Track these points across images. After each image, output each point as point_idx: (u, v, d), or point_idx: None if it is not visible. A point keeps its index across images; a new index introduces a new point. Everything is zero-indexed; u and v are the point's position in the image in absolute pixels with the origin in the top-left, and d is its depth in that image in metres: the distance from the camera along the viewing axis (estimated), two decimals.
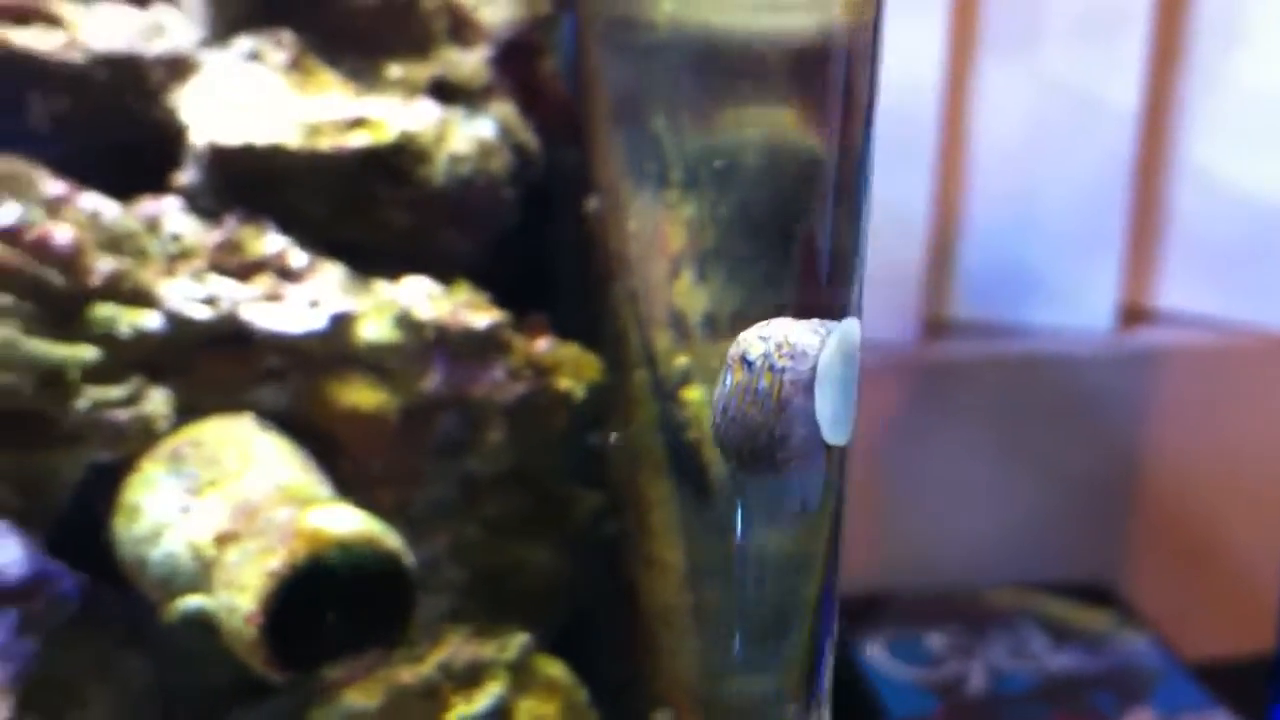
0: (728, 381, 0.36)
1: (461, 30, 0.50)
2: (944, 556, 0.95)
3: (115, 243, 0.43)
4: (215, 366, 0.44)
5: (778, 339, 0.36)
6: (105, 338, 0.42)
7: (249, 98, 0.46)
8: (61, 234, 0.42)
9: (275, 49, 0.47)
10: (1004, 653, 0.86)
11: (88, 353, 0.42)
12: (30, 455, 0.42)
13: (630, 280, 0.48)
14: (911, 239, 0.92)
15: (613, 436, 0.48)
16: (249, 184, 0.46)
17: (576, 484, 0.51)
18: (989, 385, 0.95)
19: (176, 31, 0.47)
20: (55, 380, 0.41)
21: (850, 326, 0.37)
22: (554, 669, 0.48)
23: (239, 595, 0.40)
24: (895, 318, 0.94)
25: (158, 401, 0.43)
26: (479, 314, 0.46)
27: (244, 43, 0.48)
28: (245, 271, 0.45)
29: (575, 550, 0.51)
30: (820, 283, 0.41)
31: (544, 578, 0.50)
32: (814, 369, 0.35)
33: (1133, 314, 0.97)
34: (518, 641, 0.47)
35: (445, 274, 0.47)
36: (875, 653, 0.87)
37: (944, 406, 0.94)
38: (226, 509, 0.41)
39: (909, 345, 0.94)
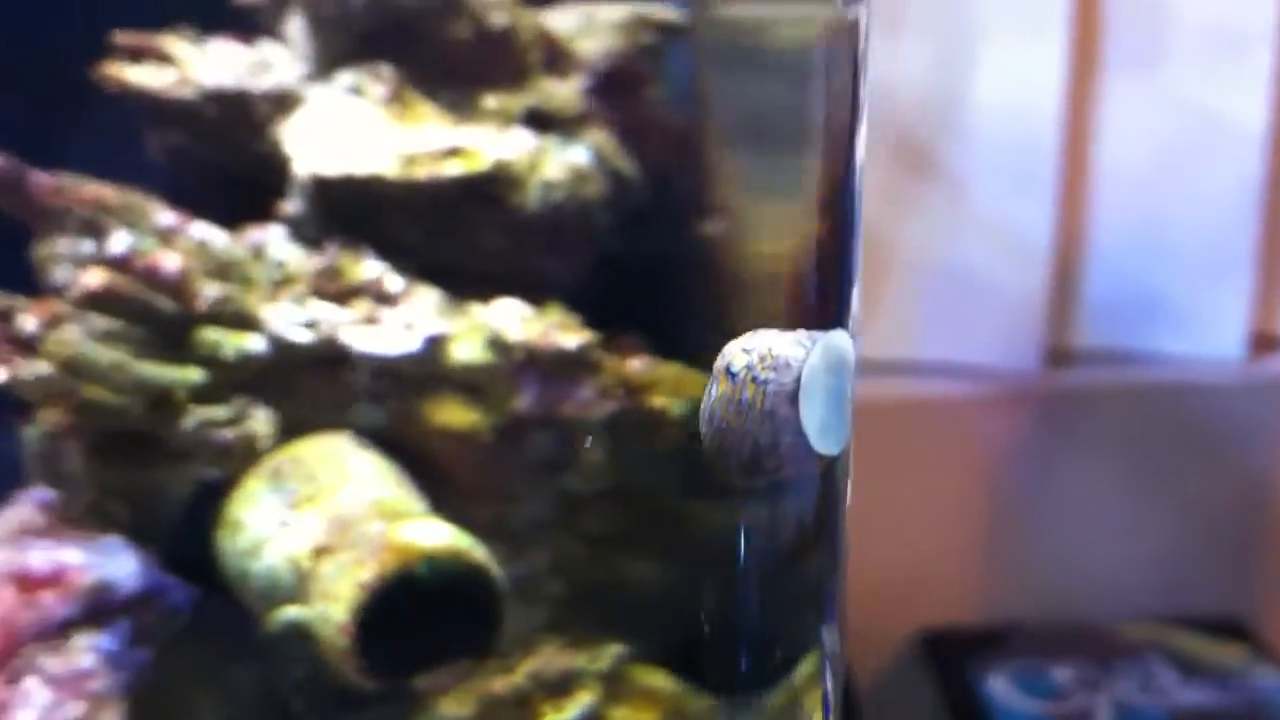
0: (713, 392, 0.37)
1: (557, 61, 0.52)
2: (1070, 588, 0.94)
3: (222, 269, 0.45)
4: (315, 387, 0.46)
5: (761, 351, 0.36)
6: (211, 360, 0.44)
7: (350, 130, 0.48)
8: (170, 262, 0.44)
9: (375, 83, 0.49)
10: (1132, 687, 0.84)
11: (194, 374, 0.44)
12: (140, 472, 0.44)
13: (749, 300, 0.48)
14: (1034, 265, 0.91)
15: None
16: (349, 212, 0.47)
17: (695, 498, 0.51)
18: (1116, 415, 0.93)
19: (282, 67, 0.49)
20: (163, 401, 0.43)
21: (837, 338, 0.38)
22: (656, 678, 0.49)
23: (333, 606, 0.41)
24: (1017, 345, 0.93)
25: (260, 421, 0.45)
26: (569, 335, 0.48)
27: (345, 77, 0.49)
28: (344, 296, 0.47)
29: (694, 563, 0.51)
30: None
31: (650, 591, 0.51)
32: (798, 380, 0.36)
33: (1264, 341, 0.95)
34: (611, 651, 0.48)
35: (538, 297, 0.48)
36: (999, 685, 0.85)
37: (1069, 436, 0.92)
38: (323, 523, 0.43)
39: (1032, 374, 0.92)
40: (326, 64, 0.50)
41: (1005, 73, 0.88)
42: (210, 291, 0.45)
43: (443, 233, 0.48)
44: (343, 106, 0.49)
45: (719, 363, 0.37)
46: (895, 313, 0.90)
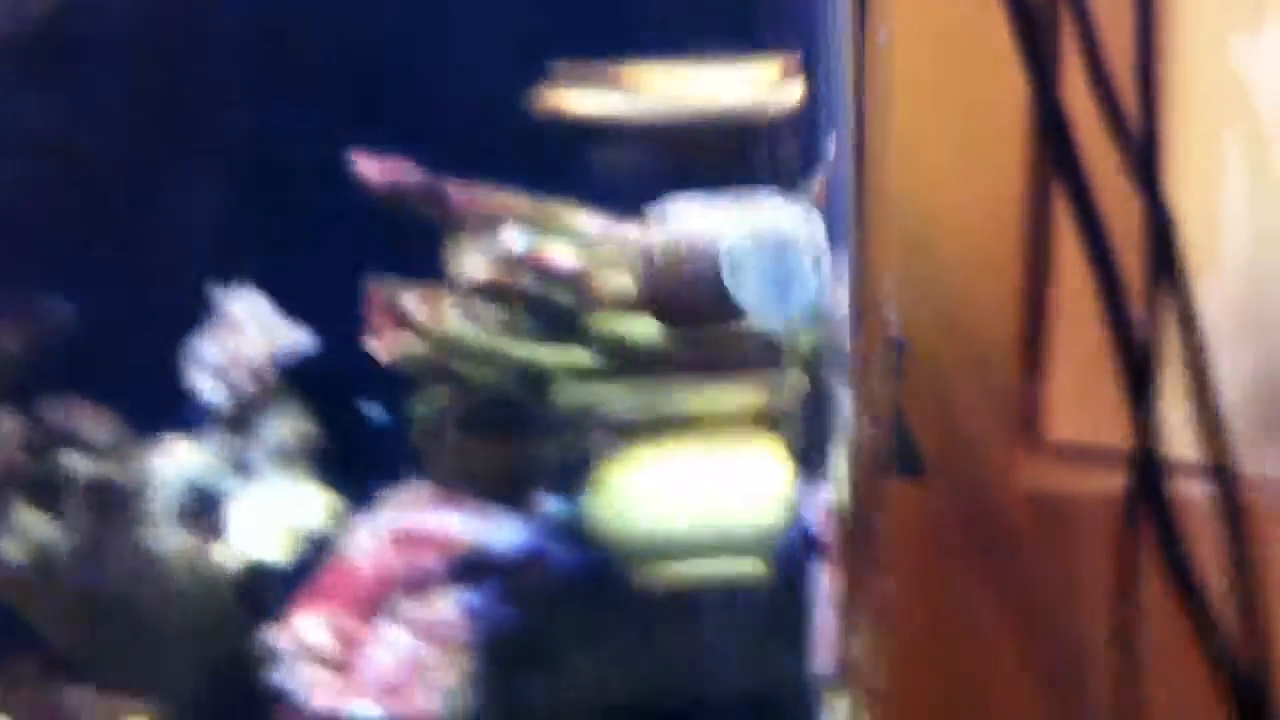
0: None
1: None
2: None
3: None
4: None
5: (675, 235, 0.36)
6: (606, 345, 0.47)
7: None
8: (564, 259, 0.47)
9: None
10: None
11: (579, 358, 0.47)
12: (516, 444, 0.47)
13: None
14: None
15: None
16: None
17: None
18: None
19: None
20: (539, 380, 0.46)
21: (763, 211, 0.36)
22: None
23: None
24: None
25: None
26: None
27: None
28: None
29: None
30: None
31: None
32: (716, 260, 0.35)
33: None
34: None
35: None
36: None
37: None
38: None
39: None
40: None
41: None
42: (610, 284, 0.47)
43: None
44: None
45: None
46: None
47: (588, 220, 0.48)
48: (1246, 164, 0.77)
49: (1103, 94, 0.77)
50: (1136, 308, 0.77)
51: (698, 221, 0.35)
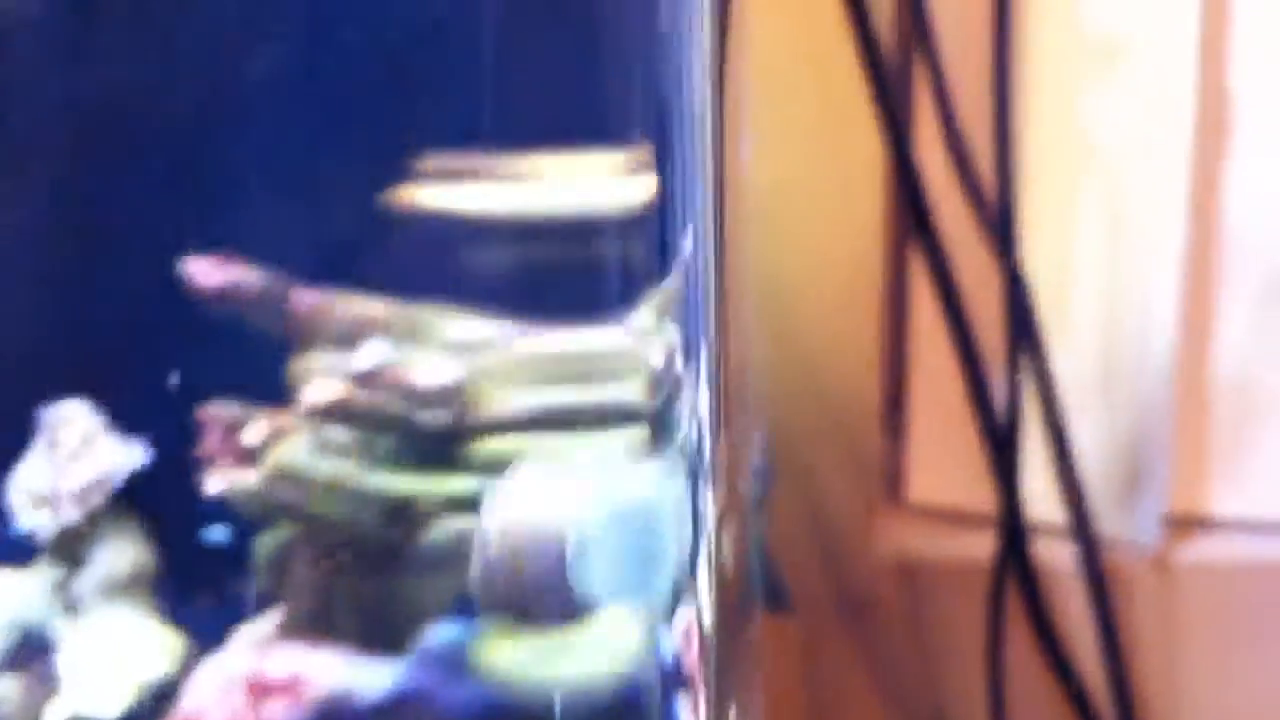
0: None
1: None
2: None
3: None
4: None
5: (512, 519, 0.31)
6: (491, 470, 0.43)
7: None
8: (426, 375, 0.43)
9: None
10: None
11: (462, 484, 0.43)
12: (379, 583, 0.43)
13: None
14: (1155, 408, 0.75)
15: None
16: None
17: None
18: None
19: None
20: (403, 512, 0.43)
21: (622, 484, 0.32)
22: None
23: None
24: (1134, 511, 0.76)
25: None
26: None
27: None
28: None
29: None
30: None
31: None
32: (563, 553, 0.31)
33: None
34: None
35: None
36: None
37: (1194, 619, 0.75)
38: None
39: (1150, 545, 0.75)
40: None
41: None
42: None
43: None
44: None
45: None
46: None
47: (465, 327, 0.45)
48: (1100, 225, 0.77)
49: (957, 155, 0.76)
50: (996, 369, 0.77)
51: (542, 502, 0.31)
